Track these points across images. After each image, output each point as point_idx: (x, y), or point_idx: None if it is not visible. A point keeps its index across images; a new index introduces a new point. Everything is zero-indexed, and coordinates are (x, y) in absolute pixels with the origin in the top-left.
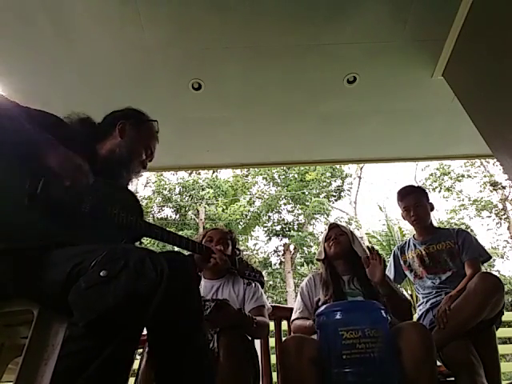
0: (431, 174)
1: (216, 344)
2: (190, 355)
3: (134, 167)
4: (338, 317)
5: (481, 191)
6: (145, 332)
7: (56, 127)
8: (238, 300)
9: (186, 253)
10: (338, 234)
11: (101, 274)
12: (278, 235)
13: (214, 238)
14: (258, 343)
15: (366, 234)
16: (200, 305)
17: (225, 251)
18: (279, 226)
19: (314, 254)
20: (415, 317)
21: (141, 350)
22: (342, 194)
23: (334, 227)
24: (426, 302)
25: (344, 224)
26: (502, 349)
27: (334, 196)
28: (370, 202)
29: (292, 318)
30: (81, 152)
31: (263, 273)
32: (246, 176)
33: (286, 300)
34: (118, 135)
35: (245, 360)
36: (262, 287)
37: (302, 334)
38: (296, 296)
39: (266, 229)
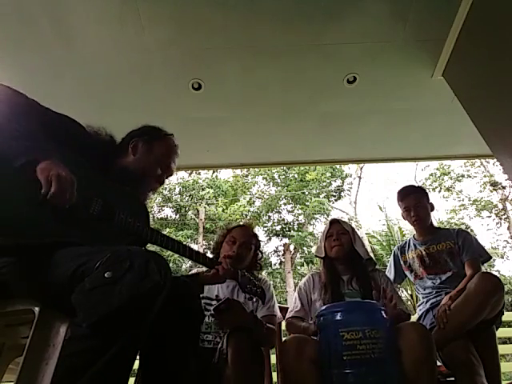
0: (431, 174)
1: (225, 345)
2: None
3: (148, 184)
4: (338, 317)
5: (481, 191)
6: None
7: (72, 133)
8: (253, 305)
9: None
10: (340, 233)
11: (105, 275)
12: (278, 235)
13: (238, 241)
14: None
15: (366, 233)
16: (197, 336)
17: (243, 259)
18: (279, 226)
19: (314, 253)
20: (415, 317)
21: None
22: (342, 194)
23: (335, 223)
24: (426, 302)
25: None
26: (502, 349)
27: (334, 196)
28: (370, 202)
29: (287, 315)
30: (93, 158)
31: (263, 273)
32: (246, 176)
33: (285, 300)
34: (130, 153)
35: (252, 363)
36: (263, 303)
37: (294, 332)
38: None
39: (266, 229)
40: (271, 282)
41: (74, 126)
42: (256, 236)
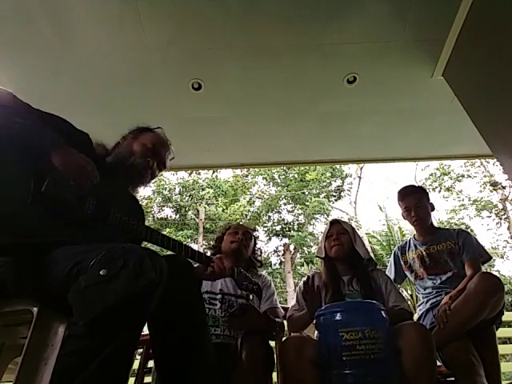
0: (431, 174)
1: (239, 347)
2: (198, 365)
3: (132, 162)
4: (337, 317)
5: (481, 191)
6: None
7: (65, 133)
8: (256, 299)
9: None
10: (340, 233)
11: (101, 273)
12: (278, 235)
13: (240, 231)
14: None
15: (366, 233)
16: (203, 308)
17: (247, 246)
18: (279, 226)
19: (314, 253)
20: (415, 317)
21: (141, 350)
22: (342, 193)
23: (335, 223)
24: (426, 302)
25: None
26: (502, 349)
27: (334, 196)
28: (370, 202)
29: (288, 314)
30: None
31: (263, 273)
32: (246, 176)
33: (285, 300)
34: (120, 145)
35: (264, 367)
36: (260, 300)
37: (297, 325)
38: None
39: (266, 229)
40: (271, 279)
41: (66, 126)
42: (255, 230)
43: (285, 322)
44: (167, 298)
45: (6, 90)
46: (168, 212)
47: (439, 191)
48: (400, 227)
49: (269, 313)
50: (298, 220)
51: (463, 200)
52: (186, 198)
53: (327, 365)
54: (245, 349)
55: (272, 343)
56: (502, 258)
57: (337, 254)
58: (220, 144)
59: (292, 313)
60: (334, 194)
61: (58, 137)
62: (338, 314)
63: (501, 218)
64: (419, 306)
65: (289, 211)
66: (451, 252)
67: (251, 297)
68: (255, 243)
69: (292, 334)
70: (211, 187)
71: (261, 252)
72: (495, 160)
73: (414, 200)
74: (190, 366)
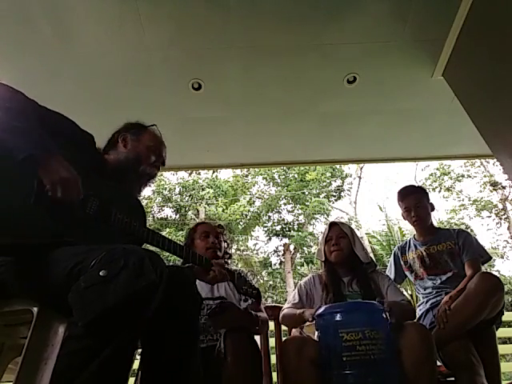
0: (431, 174)
1: (223, 345)
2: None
3: (144, 170)
4: (338, 318)
5: (481, 191)
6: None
7: (68, 132)
8: (235, 298)
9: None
10: (339, 237)
11: (100, 273)
12: (278, 235)
13: (211, 234)
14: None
15: (366, 233)
16: (198, 326)
17: (221, 249)
18: (279, 226)
19: (314, 253)
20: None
21: (141, 350)
22: (342, 194)
23: (334, 226)
24: (426, 302)
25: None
26: (502, 349)
27: (334, 196)
28: (370, 202)
29: (284, 307)
30: (88, 157)
31: (263, 273)
32: (246, 176)
33: (285, 300)
34: (121, 146)
35: (251, 362)
36: (259, 304)
37: (288, 321)
38: None
39: (265, 229)
40: (248, 272)
41: (69, 124)
42: (220, 226)
43: (271, 322)
44: (165, 306)
45: (13, 87)
46: (168, 212)
47: (439, 191)
48: (400, 227)
49: (250, 308)
50: (298, 220)
51: (463, 200)
52: (186, 198)
53: (327, 365)
54: (229, 347)
55: (272, 343)
56: (502, 258)
57: (336, 260)
58: (220, 144)
59: (289, 306)
60: (334, 194)
61: (49, 144)
62: (338, 315)
63: (501, 218)
64: (419, 306)
65: (289, 211)
66: (451, 252)
67: (250, 301)
68: (224, 238)
69: (292, 333)
70: (211, 187)
71: (227, 244)
72: (495, 160)
73: (414, 200)
74: (176, 377)
